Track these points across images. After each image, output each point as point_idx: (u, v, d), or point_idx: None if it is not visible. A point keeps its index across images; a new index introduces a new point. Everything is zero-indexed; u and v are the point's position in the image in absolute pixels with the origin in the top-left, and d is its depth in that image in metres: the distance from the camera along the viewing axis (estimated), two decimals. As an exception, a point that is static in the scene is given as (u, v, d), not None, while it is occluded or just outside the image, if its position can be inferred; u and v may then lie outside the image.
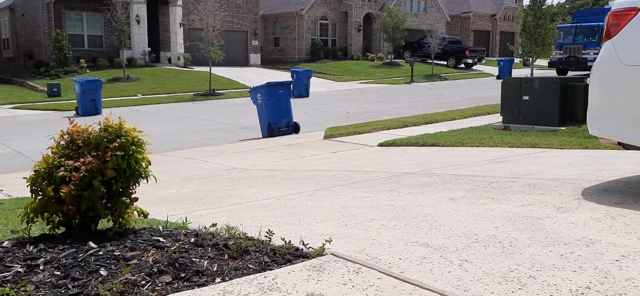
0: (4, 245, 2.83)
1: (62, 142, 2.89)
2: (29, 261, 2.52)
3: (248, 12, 35.64)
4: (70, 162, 2.71)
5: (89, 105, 18.07)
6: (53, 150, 2.91)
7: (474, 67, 37.35)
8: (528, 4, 24.40)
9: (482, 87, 24.81)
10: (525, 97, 10.30)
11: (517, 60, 31.19)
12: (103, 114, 18.39)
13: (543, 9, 23.51)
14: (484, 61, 39.03)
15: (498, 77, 27.79)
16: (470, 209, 3.74)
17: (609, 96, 4.09)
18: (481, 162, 6.64)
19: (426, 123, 12.37)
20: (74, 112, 18.42)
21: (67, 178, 2.69)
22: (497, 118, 11.30)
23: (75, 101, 19.09)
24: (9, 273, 2.38)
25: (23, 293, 2.13)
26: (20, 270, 2.42)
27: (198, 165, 8.92)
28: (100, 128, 2.90)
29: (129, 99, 21.91)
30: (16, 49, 32.62)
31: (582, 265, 2.48)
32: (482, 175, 5.41)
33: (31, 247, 2.72)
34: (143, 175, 3.03)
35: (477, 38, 48.30)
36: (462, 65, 37.07)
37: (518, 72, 27.63)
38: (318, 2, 39.02)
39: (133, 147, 2.87)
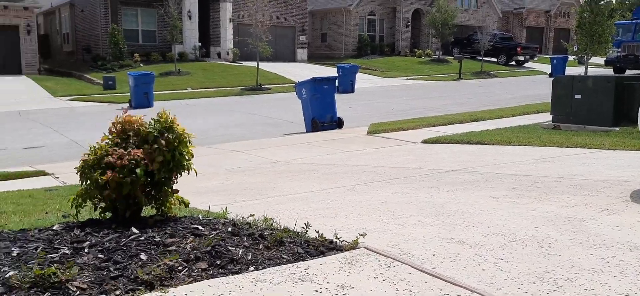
0: (54, 228, 3.00)
1: (114, 131, 3.03)
2: (75, 244, 2.65)
3: (296, 8, 35.89)
4: (118, 150, 2.84)
5: (142, 98, 18.69)
6: (104, 139, 3.06)
7: (526, 65, 36.22)
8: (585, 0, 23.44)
9: (534, 85, 24.06)
10: (577, 96, 9.93)
11: (571, 57, 30.05)
12: (154, 107, 19.01)
13: (601, 5, 22.53)
14: (536, 58, 37.78)
15: (551, 75, 26.85)
16: (511, 208, 3.67)
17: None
18: (527, 161, 6.47)
19: (472, 121, 12.12)
20: (128, 104, 19.11)
21: (113, 165, 2.82)
22: (547, 117, 10.95)
23: (129, 94, 19.79)
24: (56, 255, 2.52)
25: (68, 273, 2.26)
26: (67, 251, 2.56)
27: (243, 158, 9.08)
28: (153, 120, 3.03)
29: (179, 93, 22.51)
30: (75, 43, 34.09)
31: (624, 271, 2.39)
32: (526, 174, 5.28)
33: (78, 231, 2.86)
34: (186, 167, 3.14)
35: (530, 35, 46.79)
36: (513, 63, 36.01)
37: (572, 71, 26.62)
38: (366, -3, 38.89)
39: (178, 142, 2.97)
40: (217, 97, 21.92)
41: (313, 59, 36.88)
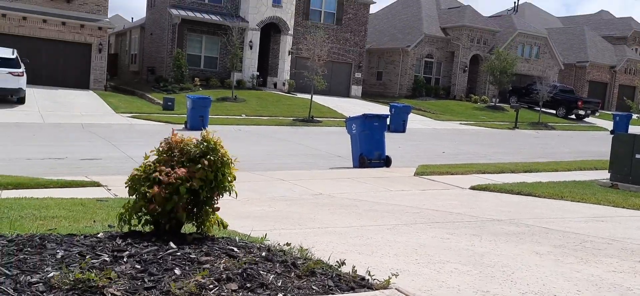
0: (98, 235, 3.14)
1: (161, 149, 3.17)
2: (115, 253, 2.77)
3: (354, 45, 36.36)
4: (164, 168, 2.97)
5: (197, 121, 19.30)
6: (150, 154, 3.20)
7: (586, 119, 35.00)
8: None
9: (593, 141, 23.18)
10: (639, 155, 9.51)
11: (635, 116, 28.83)
12: (208, 129, 19.61)
13: (670, 64, 21.61)
14: (597, 114, 36.46)
15: (612, 132, 25.80)
16: (555, 267, 3.53)
17: None
18: (578, 218, 6.22)
19: (525, 172, 11.77)
20: (183, 126, 19.77)
21: (162, 180, 2.95)
22: (604, 175, 10.51)
23: (185, 116, 20.49)
24: (97, 261, 2.63)
25: (105, 279, 2.35)
26: (107, 259, 2.67)
27: (287, 187, 9.17)
28: (197, 141, 3.15)
29: (233, 118, 23.09)
30: (142, 63, 35.80)
31: (668, 341, 2.25)
32: (575, 232, 5.07)
33: (120, 241, 2.98)
34: (227, 189, 3.22)
35: (592, 89, 45.27)
36: (573, 116, 34.89)
37: (636, 129, 25.50)
38: (425, 40, 38.87)
39: (221, 163, 3.07)
40: (269, 126, 22.33)
41: (367, 96, 37.05)
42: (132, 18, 52.23)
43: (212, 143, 3.08)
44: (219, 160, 3.04)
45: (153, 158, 3.17)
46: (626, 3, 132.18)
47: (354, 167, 12.84)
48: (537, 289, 2.95)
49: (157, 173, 2.95)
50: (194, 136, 3.41)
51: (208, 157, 2.99)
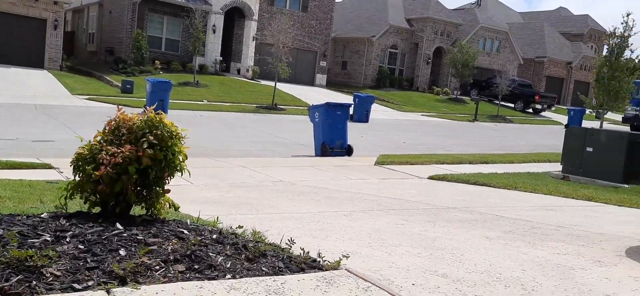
0: (42, 216, 3.03)
1: (108, 129, 3.07)
2: (58, 233, 2.67)
3: (320, 33, 36.26)
4: (111, 148, 2.87)
5: (157, 105, 18.88)
6: (98, 135, 3.09)
7: (543, 113, 36.05)
8: (606, 54, 23.38)
9: (549, 134, 23.90)
10: (589, 149, 9.84)
11: (589, 111, 29.87)
12: (168, 115, 19.12)
13: (621, 61, 22.43)
14: (554, 108, 37.59)
15: (566, 126, 26.67)
16: (502, 250, 3.62)
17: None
18: (529, 207, 6.40)
19: (482, 163, 12.03)
20: (142, 110, 19.31)
21: (106, 161, 2.85)
22: (557, 168, 10.84)
23: (145, 99, 20.04)
24: (38, 240, 2.54)
25: (44, 259, 2.27)
26: (49, 239, 2.57)
27: (247, 174, 9.10)
28: (142, 119, 3.05)
29: (194, 104, 22.72)
30: (100, 43, 34.68)
31: (604, 321, 2.34)
32: (526, 219, 5.22)
33: (64, 221, 2.89)
34: (178, 168, 3.15)
35: (549, 84, 46.63)
36: (531, 110, 35.87)
37: (589, 124, 26.42)
38: (390, 30, 39.12)
39: (171, 140, 2.99)
40: (231, 112, 22.09)
41: (331, 85, 37.08)
42: (91, -4, 50.44)
43: (157, 120, 2.99)
44: (167, 135, 2.95)
45: (99, 138, 3.06)
46: (584, 1, 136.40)
47: (316, 155, 12.85)
48: (484, 269, 3.01)
49: (103, 154, 2.85)
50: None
51: (154, 131, 2.90)
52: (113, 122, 3.10)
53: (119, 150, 2.87)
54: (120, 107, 3.30)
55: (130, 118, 3.06)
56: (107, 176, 2.90)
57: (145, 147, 2.84)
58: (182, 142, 3.15)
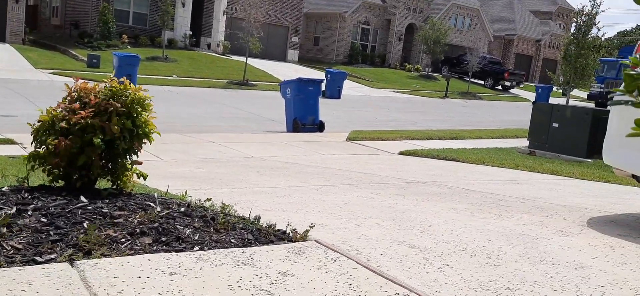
0: (2, 189, 2.93)
1: (69, 99, 2.97)
2: (20, 206, 2.60)
3: (291, 8, 35.87)
4: (73, 116, 2.78)
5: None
6: (60, 105, 3.00)
7: (512, 90, 36.68)
8: (573, 32, 23.82)
9: (516, 111, 24.36)
10: (555, 125, 10.07)
11: (556, 88, 30.52)
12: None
13: (587, 39, 22.91)
14: (522, 85, 38.27)
15: (534, 103, 27.20)
16: (469, 221, 3.69)
17: (627, 126, 3.96)
18: (496, 181, 6.53)
19: (451, 139, 12.22)
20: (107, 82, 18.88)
21: (67, 131, 2.77)
22: (524, 143, 11.08)
23: (112, 74, 19.57)
24: (-3, 213, 2.46)
25: (5, 231, 2.20)
26: (9, 212, 2.50)
27: (217, 149, 9.02)
28: (106, 86, 2.97)
29: (163, 79, 22.31)
30: (64, 16, 33.57)
31: (565, 286, 2.41)
32: (492, 192, 5.32)
33: (26, 194, 2.81)
34: (147, 136, 3.06)
35: (518, 61, 47.39)
36: (500, 87, 36.45)
37: (555, 101, 27.03)
38: (362, 6, 38.98)
39: (138, 108, 2.91)
40: (201, 88, 21.78)
41: (303, 60, 36.86)
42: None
43: (122, 89, 2.91)
44: (133, 100, 2.86)
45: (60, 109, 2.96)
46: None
47: (288, 131, 12.81)
48: (451, 239, 3.06)
49: (64, 124, 2.76)
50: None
51: (121, 98, 2.81)
52: (74, 93, 3.00)
53: (80, 114, 2.76)
54: (77, 77, 3.18)
55: (92, 88, 2.97)
56: (65, 148, 2.81)
57: (107, 117, 2.76)
58: (151, 110, 3.08)
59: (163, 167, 6.96)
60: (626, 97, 1.51)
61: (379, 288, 2.17)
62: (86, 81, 3.07)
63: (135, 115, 2.89)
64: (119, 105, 2.81)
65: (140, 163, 3.30)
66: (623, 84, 1.54)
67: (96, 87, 3.03)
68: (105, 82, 3.05)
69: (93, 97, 2.83)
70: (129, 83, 3.03)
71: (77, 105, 2.73)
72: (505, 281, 2.41)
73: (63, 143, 2.72)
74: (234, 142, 10.05)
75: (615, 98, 4.00)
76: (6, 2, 26.43)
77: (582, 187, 6.21)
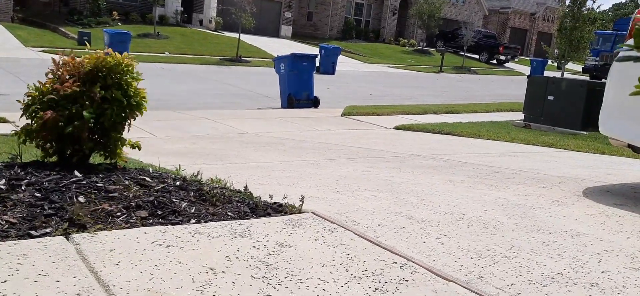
0: (-5, 165, 2.89)
1: (59, 73, 2.92)
2: (13, 181, 2.57)
3: (284, -17, 35.50)
4: (60, 86, 2.74)
5: (117, 57, 18.32)
6: (48, 82, 2.95)
7: (507, 65, 36.62)
8: (568, 4, 23.69)
9: (511, 84, 24.34)
10: (550, 97, 10.06)
11: (551, 62, 30.49)
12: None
13: (582, 12, 22.81)
14: (517, 59, 38.20)
15: (529, 77, 27.18)
16: (465, 192, 3.69)
17: (622, 95, 3.95)
18: (492, 153, 6.53)
19: (447, 113, 12.21)
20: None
21: (56, 104, 2.72)
22: (519, 117, 11.10)
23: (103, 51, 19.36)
24: (-10, 189, 2.43)
25: (-2, 206, 2.18)
26: (2, 187, 2.47)
27: (212, 126, 8.98)
28: (92, 58, 2.92)
29: (155, 56, 22.10)
30: (53, -6, 33.09)
31: (561, 253, 2.42)
32: (488, 164, 5.33)
33: (19, 169, 2.77)
34: (139, 107, 3.02)
35: (513, 35, 47.23)
36: (495, 61, 36.37)
37: (550, 74, 26.99)
38: (355, -19, 38.63)
39: (126, 76, 2.85)
40: (194, 65, 21.60)
41: (297, 36, 36.58)
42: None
43: (108, 60, 2.85)
44: (122, 69, 2.80)
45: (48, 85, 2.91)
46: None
47: (282, 107, 12.76)
48: (448, 210, 3.06)
49: (52, 95, 2.72)
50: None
51: (107, 64, 2.75)
52: (60, 66, 2.94)
53: (67, 84, 2.72)
54: (62, 51, 3.11)
55: (79, 62, 2.91)
56: (52, 120, 2.76)
57: (97, 89, 2.72)
58: (139, 79, 3.02)
59: (157, 143, 6.92)
60: (634, 53, 1.48)
61: (377, 257, 2.17)
62: (73, 56, 3.01)
63: (125, 86, 2.84)
64: (104, 71, 2.75)
65: (126, 141, 3.24)
66: (630, 40, 1.52)
67: (83, 58, 2.97)
68: (91, 53, 2.99)
69: (78, 71, 2.78)
70: (116, 54, 2.97)
71: (64, 76, 2.68)
72: (503, 250, 2.41)
73: (49, 115, 2.67)
74: (228, 118, 10.00)
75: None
76: (-6, -20, 26.00)
77: (577, 159, 6.23)
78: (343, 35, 37.72)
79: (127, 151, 3.29)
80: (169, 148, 6.59)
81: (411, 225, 2.70)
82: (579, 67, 30.77)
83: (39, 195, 2.44)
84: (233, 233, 2.31)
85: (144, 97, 2.98)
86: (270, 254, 2.12)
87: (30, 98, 2.88)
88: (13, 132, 2.96)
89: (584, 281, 2.10)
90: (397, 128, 9.63)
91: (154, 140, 7.15)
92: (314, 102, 12.95)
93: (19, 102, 2.97)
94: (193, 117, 9.85)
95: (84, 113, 2.75)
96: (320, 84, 15.80)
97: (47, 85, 2.86)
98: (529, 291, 1.97)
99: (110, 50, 3.02)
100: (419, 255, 2.25)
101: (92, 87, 2.76)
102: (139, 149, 3.17)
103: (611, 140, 4.27)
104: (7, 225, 2.10)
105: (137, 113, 2.98)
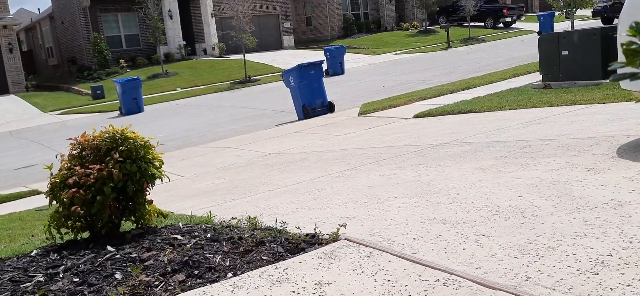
0: (31, 254, 2.94)
1: (74, 152, 2.96)
2: (50, 270, 2.60)
3: (278, -5, 35.58)
4: (80, 170, 2.77)
5: (131, 104, 18.57)
6: (64, 162, 2.99)
7: (514, 26, 36.01)
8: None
9: (523, 45, 23.92)
10: (565, 52, 9.83)
11: (558, 13, 29.86)
12: (145, 112, 18.69)
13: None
14: (523, 18, 37.54)
15: (539, 33, 26.66)
16: (497, 178, 3.61)
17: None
18: (516, 125, 6.40)
19: (463, 90, 12.02)
20: (118, 112, 18.98)
21: (79, 184, 2.76)
22: (537, 77, 10.88)
23: (118, 101, 19.67)
24: (30, 284, 2.46)
25: (40, 302, 2.20)
26: (41, 279, 2.50)
27: (235, 154, 9.02)
28: (105, 137, 2.95)
29: (168, 94, 22.37)
30: (60, 55, 33.81)
31: (606, 231, 2.34)
32: (515, 139, 5.22)
33: (54, 255, 2.81)
34: (156, 176, 3.06)
35: (515, -6, 46.40)
36: (501, 25, 35.81)
37: (561, 26, 26.44)
38: (347, -24, 38.50)
39: (141, 150, 2.89)
40: (206, 94, 21.79)
41: (300, 44, 36.62)
42: (39, 9, 48.83)
43: (119, 133, 2.89)
44: (134, 147, 2.85)
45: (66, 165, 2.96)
46: None
47: (299, 119, 12.75)
48: (482, 204, 3.00)
49: (73, 178, 2.75)
50: (126, 122, 3.20)
51: (119, 148, 2.80)
52: (77, 145, 2.98)
53: (89, 170, 2.77)
54: (74, 138, 3.14)
55: (93, 138, 2.95)
56: (80, 198, 2.80)
57: (110, 165, 2.75)
58: (154, 149, 3.06)
59: (186, 184, 6.98)
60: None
61: (418, 278, 2.13)
62: (85, 133, 3.05)
63: (141, 157, 2.88)
64: (118, 155, 2.79)
65: (151, 202, 3.27)
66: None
67: (98, 135, 3.01)
68: (107, 128, 3.03)
69: (95, 149, 2.82)
70: (127, 130, 3.00)
71: (80, 169, 2.72)
72: (545, 240, 2.34)
73: (77, 193, 2.71)
74: (249, 142, 10.03)
75: None
76: (1, 55, 26.66)
77: (605, 113, 6.06)
78: (345, 32, 37.60)
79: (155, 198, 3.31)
80: (197, 187, 6.63)
81: (447, 231, 2.65)
82: (587, 12, 30.06)
83: (77, 279, 2.47)
84: (271, 281, 2.29)
85: (161, 166, 3.02)
86: (311, 296, 2.09)
87: (52, 184, 2.92)
88: (45, 222, 2.99)
89: (636, 258, 2.03)
90: (416, 116, 9.52)
91: (182, 182, 7.21)
92: (330, 107, 12.91)
93: (48, 192, 2.99)
94: (216, 149, 9.92)
95: (105, 189, 2.78)
96: (332, 87, 15.77)
97: (66, 165, 2.90)
98: (581, 283, 1.90)
99: (127, 127, 3.05)
100: (461, 265, 2.20)
101: (110, 162, 2.79)
102: (165, 217, 3.20)
103: (635, 93, 4.13)
104: (51, 321, 2.13)
105: (158, 181, 3.02)
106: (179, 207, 4.88)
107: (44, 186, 8.60)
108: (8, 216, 6.23)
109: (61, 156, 3.04)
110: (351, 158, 6.37)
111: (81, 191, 2.78)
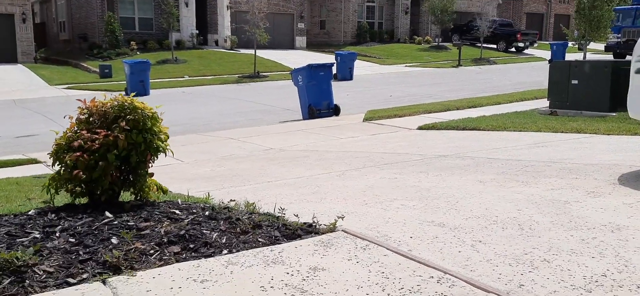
0: (29, 213, 2.96)
1: (82, 117, 2.98)
2: (47, 228, 2.61)
3: (295, -5, 35.66)
4: (86, 134, 2.79)
5: (138, 86, 18.59)
6: (72, 126, 3.00)
7: (526, 51, 36.01)
8: (584, -16, 23.20)
9: (533, 71, 23.92)
10: (574, 81, 9.85)
11: (571, 44, 29.88)
12: (151, 95, 18.68)
13: (600, -10, 22.32)
14: (536, 45, 37.54)
15: (550, 61, 26.67)
16: (497, 192, 3.62)
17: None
18: (520, 146, 6.41)
19: (470, 107, 12.04)
20: (124, 93, 19.02)
21: (79, 146, 2.77)
22: (544, 103, 10.88)
23: (125, 82, 19.71)
24: (26, 239, 2.47)
25: (35, 257, 2.21)
26: (38, 236, 2.51)
27: (237, 145, 9.03)
28: (114, 105, 2.96)
29: (176, 81, 22.41)
30: (71, 31, 33.89)
31: (603, 251, 2.34)
32: (517, 159, 5.23)
33: (52, 215, 2.82)
34: (160, 149, 3.07)
35: (529, 21, 46.46)
36: (513, 49, 35.81)
37: (572, 57, 26.46)
38: (365, -16, 38.56)
39: (148, 121, 2.90)
40: (214, 85, 21.83)
41: (312, 46, 36.67)
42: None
43: (128, 102, 2.90)
44: (142, 118, 2.86)
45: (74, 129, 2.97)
46: None
47: (304, 118, 12.77)
48: (480, 213, 3.01)
49: (79, 141, 2.77)
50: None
51: (126, 117, 2.81)
52: (85, 110, 3.00)
53: (95, 136, 2.78)
54: (83, 100, 3.15)
55: (102, 104, 2.96)
56: (83, 162, 2.81)
57: (116, 132, 2.76)
58: (160, 122, 3.07)
59: (185, 168, 6.99)
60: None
61: (413, 273, 2.14)
62: (94, 99, 3.07)
63: (147, 128, 2.89)
64: (124, 123, 2.81)
65: (152, 175, 3.28)
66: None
67: (107, 102, 3.02)
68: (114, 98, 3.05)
69: (103, 115, 2.83)
70: (136, 100, 3.01)
71: (87, 133, 2.74)
72: (541, 253, 2.35)
73: (80, 156, 2.72)
74: (252, 135, 10.05)
75: None
76: (14, 25, 26.75)
77: (609, 143, 6.07)
78: (357, 39, 37.64)
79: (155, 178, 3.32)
80: (197, 172, 6.65)
81: (444, 234, 2.65)
82: (600, 46, 30.07)
83: (73, 240, 2.48)
84: (266, 261, 2.30)
85: (166, 140, 3.03)
86: (304, 280, 2.10)
87: (56, 146, 2.94)
88: (48, 175, 3.01)
89: (629, 282, 2.03)
90: (420, 128, 9.53)
91: (181, 166, 7.22)
92: (335, 110, 12.94)
93: (53, 153, 3.00)
94: (218, 138, 9.94)
95: (108, 155, 2.80)
96: (340, 91, 15.80)
97: (74, 128, 2.92)
98: (573, 296, 1.91)
99: (134, 98, 3.06)
100: (455, 266, 2.21)
101: (116, 130, 2.80)
102: (165, 192, 3.21)
103: (643, 123, 4.14)
104: (44, 275, 2.14)
105: (162, 154, 3.02)
106: (177, 188, 4.88)
107: (44, 156, 8.64)
108: (6, 180, 6.25)
109: (69, 117, 3.05)
110: (353, 160, 6.38)
111: (85, 156, 2.79)
